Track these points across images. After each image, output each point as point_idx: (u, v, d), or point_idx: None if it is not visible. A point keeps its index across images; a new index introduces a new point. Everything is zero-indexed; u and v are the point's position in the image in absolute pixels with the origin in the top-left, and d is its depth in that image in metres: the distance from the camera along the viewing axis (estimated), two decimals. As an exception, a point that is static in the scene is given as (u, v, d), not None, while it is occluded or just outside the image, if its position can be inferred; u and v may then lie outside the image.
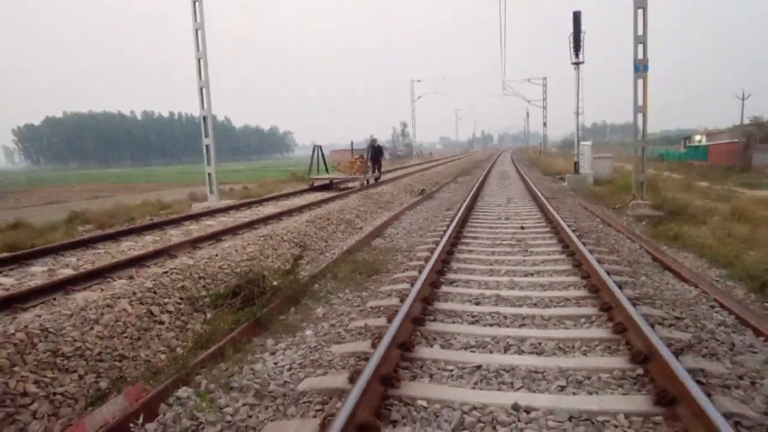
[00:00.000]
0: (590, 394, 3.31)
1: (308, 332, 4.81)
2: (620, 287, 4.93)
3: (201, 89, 15.10)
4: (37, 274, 6.70)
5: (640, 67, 11.99)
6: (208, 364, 4.17)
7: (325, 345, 4.40)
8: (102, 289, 5.67)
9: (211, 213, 12.76)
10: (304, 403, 3.40)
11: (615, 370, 3.58)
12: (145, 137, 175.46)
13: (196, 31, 14.86)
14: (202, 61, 14.96)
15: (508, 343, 4.18)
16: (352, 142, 24.18)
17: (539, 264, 6.81)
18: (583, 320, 4.66)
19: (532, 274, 6.31)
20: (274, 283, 6.03)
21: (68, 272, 6.56)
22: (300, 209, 12.58)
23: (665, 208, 11.71)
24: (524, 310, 4.95)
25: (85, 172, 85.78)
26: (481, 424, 3.01)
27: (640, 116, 12.29)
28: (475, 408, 3.17)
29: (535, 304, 5.15)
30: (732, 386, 3.38)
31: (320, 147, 21.16)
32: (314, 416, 3.17)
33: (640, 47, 11.93)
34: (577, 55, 26.13)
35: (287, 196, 17.04)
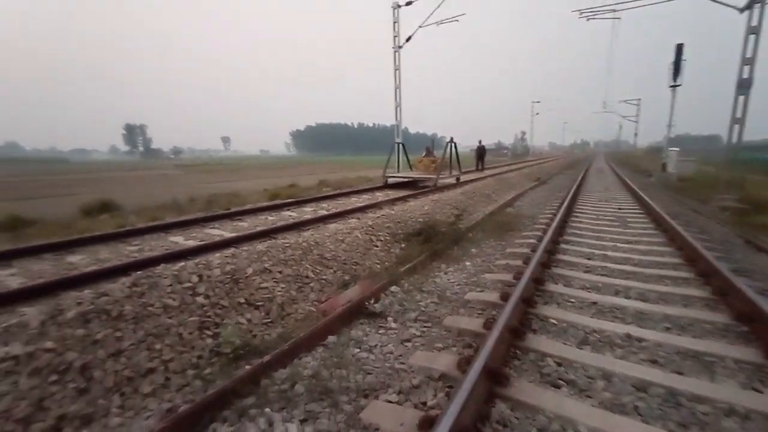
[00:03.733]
0: (695, 338, 2.72)
1: (467, 263, 4.66)
2: (716, 260, 3.96)
3: (396, 108, 15.36)
4: (308, 212, 7.45)
5: (744, 86, 9.27)
6: (407, 274, 4.24)
7: (480, 273, 4.24)
8: (343, 223, 6.11)
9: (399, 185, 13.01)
10: (469, 307, 3.33)
11: (718, 323, 2.90)
12: (359, 138, 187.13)
13: (395, 71, 15.07)
14: (398, 90, 15.18)
15: (616, 289, 3.63)
16: (433, 141, 16.01)
17: (637, 236, 5.77)
18: (680, 282, 3.85)
19: (631, 242, 5.38)
20: (442, 229, 5.95)
21: (324, 212, 7.17)
22: (454, 186, 12.24)
23: (750, 203, 9.12)
24: (627, 267, 4.25)
25: (326, 158, 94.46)
26: (600, 343, 2.66)
27: (736, 127, 9.60)
28: (594, 331, 2.81)
29: (636, 264, 4.39)
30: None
31: (402, 143, 14.50)
32: (477, 317, 3.09)
33: (746, 68, 9.20)
34: (675, 79, 21.28)
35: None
